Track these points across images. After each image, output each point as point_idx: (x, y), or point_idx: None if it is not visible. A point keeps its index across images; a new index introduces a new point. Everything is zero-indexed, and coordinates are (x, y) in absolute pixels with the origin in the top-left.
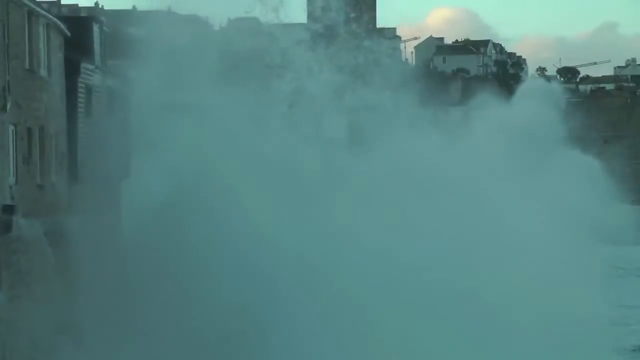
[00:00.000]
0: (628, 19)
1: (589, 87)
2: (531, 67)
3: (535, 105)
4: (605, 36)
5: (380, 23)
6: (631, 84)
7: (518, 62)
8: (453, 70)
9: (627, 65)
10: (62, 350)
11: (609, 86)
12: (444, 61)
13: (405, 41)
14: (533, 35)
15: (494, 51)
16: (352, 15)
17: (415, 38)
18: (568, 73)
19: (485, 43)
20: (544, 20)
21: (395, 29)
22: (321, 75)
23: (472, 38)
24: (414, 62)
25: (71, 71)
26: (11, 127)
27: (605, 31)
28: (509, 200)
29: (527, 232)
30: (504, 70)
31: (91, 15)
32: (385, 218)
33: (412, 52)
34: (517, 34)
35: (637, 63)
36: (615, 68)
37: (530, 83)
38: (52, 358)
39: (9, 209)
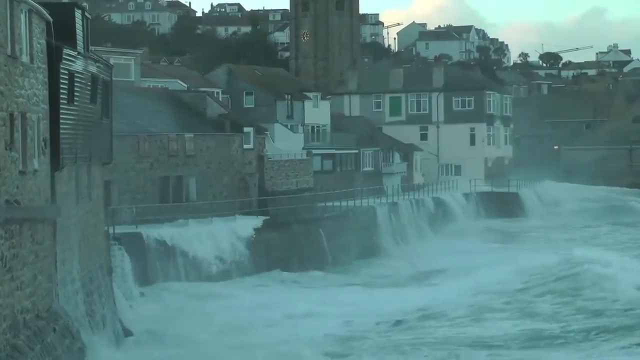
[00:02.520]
0: (616, 4)
1: (571, 72)
2: (515, 53)
3: None
4: (592, 22)
5: (364, 9)
6: (613, 70)
7: (500, 48)
8: (435, 56)
9: (609, 51)
10: (46, 337)
11: (591, 72)
12: (427, 47)
13: (388, 27)
14: (520, 20)
15: (476, 37)
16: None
17: (398, 24)
18: (550, 59)
19: (468, 29)
20: (531, 6)
21: (378, 14)
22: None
23: (459, 24)
24: (396, 48)
25: (53, 57)
26: None
27: (593, 16)
28: None
29: None
30: (486, 56)
31: (73, 1)
32: None
33: (394, 38)
34: (504, 19)
35: (619, 49)
36: (597, 54)
37: None
38: (34, 344)
39: None
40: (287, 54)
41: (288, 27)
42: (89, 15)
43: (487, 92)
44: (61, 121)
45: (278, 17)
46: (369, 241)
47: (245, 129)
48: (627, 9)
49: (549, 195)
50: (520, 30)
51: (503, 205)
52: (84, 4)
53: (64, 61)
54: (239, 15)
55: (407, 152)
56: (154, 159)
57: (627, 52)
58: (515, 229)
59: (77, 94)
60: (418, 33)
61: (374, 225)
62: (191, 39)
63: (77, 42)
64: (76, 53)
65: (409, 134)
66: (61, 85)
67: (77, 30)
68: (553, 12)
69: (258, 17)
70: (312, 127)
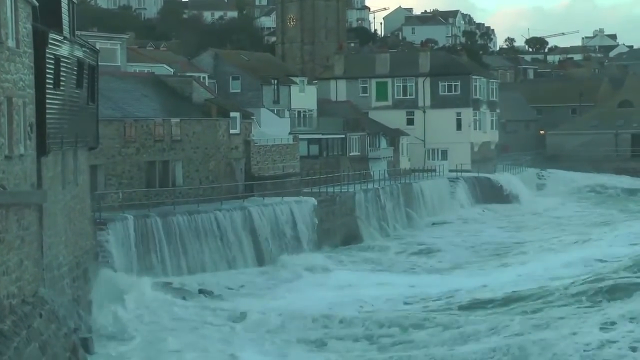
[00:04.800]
0: None
1: (557, 57)
2: (503, 38)
3: None
4: (581, 6)
5: None
6: (599, 55)
7: (487, 33)
8: (422, 41)
9: (594, 36)
10: (33, 322)
11: (577, 56)
12: (413, 32)
13: (374, 12)
14: (510, 5)
15: (462, 22)
16: None
17: (385, 9)
18: (536, 43)
19: (454, 14)
20: None
21: None
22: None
23: (449, 9)
24: (382, 33)
25: (39, 42)
26: None
27: (583, 1)
28: None
29: None
30: (472, 41)
31: None
32: None
33: (381, 23)
34: (494, 4)
35: (605, 34)
36: (583, 38)
37: None
38: (21, 329)
39: None
40: (273, 38)
41: (274, 12)
42: (74, 0)
43: (474, 77)
44: (47, 106)
45: (264, 2)
46: (355, 227)
47: (232, 114)
48: None
49: (536, 180)
50: (510, 15)
51: (491, 190)
52: None
53: (50, 46)
54: (225, 0)
55: (393, 137)
56: (140, 144)
57: (613, 36)
58: (513, 216)
59: (63, 78)
60: (404, 18)
61: (357, 211)
62: (177, 24)
63: (63, 26)
64: (62, 38)
65: (395, 118)
66: (47, 70)
67: (63, 14)
68: None
69: (244, 2)
70: (299, 112)
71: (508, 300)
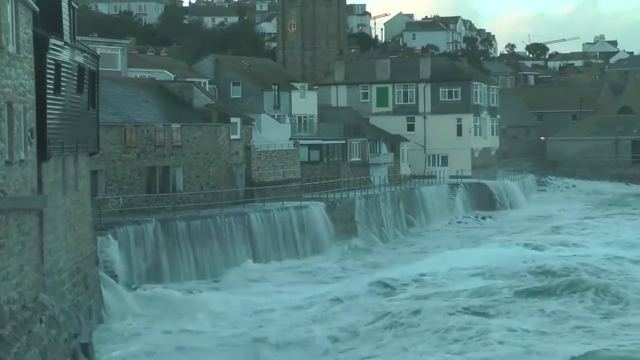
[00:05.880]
0: None
1: (557, 63)
2: (502, 44)
3: None
4: (585, 13)
5: None
6: (599, 61)
7: (487, 39)
8: (422, 47)
9: (595, 42)
10: (33, 327)
11: (578, 63)
12: (414, 38)
13: (375, 17)
14: (513, 11)
15: (463, 28)
16: None
17: (386, 14)
18: (537, 50)
19: (455, 20)
20: None
21: (365, 5)
22: None
23: (451, 14)
24: (383, 39)
25: (40, 47)
26: None
27: (586, 8)
28: None
29: None
30: (473, 47)
31: None
32: None
33: (381, 29)
34: (496, 10)
35: (606, 40)
36: (583, 45)
37: None
38: (21, 335)
39: None
40: (274, 44)
41: (275, 18)
42: (75, 5)
43: (474, 82)
44: (48, 111)
45: (265, 8)
46: (354, 233)
47: (232, 119)
48: (620, 0)
49: (536, 187)
50: (511, 21)
51: (491, 197)
52: None
53: (50, 51)
54: (226, 6)
55: (394, 142)
56: (141, 149)
57: (614, 43)
58: (512, 222)
59: (64, 84)
60: (405, 24)
61: (357, 217)
62: (178, 29)
63: (64, 32)
64: (63, 43)
65: (395, 124)
66: (48, 75)
67: (63, 20)
68: (546, 3)
69: (245, 8)
70: (299, 118)
71: None
